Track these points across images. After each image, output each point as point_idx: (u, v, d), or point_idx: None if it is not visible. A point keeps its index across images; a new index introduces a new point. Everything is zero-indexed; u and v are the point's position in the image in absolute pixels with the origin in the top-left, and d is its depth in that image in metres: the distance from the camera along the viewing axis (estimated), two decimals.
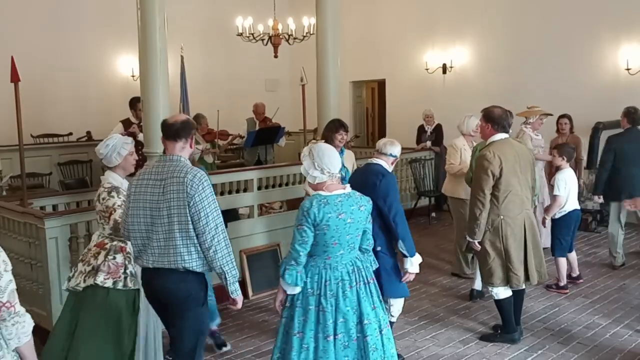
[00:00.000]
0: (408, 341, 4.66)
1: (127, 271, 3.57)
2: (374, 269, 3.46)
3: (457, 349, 4.53)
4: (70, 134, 9.30)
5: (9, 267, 2.32)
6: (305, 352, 3.19)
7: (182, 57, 9.70)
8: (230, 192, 6.46)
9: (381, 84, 11.75)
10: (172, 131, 3.21)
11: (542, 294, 5.61)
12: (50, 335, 3.74)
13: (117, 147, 3.62)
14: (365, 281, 3.30)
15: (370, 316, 3.25)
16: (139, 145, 6.78)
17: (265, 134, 8.20)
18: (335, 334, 3.17)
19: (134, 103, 7.08)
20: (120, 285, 3.53)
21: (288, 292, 3.24)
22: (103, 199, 3.57)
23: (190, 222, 3.05)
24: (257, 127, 8.38)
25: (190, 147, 3.27)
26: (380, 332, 3.28)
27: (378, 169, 4.10)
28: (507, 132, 4.48)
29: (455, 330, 4.87)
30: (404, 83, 10.92)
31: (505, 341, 4.58)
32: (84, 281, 3.53)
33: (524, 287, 4.58)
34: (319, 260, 3.23)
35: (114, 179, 3.64)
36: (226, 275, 3.16)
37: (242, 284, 5.84)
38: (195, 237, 3.08)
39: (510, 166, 4.33)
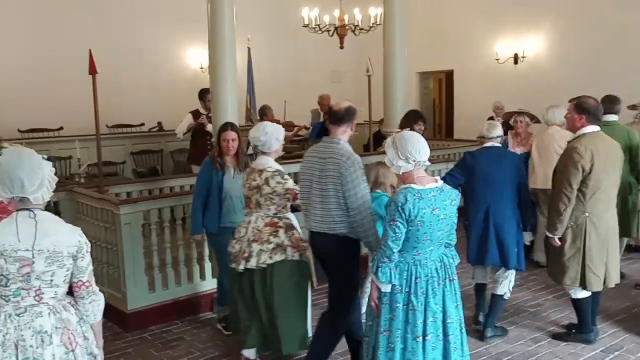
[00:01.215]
0: (476, 337, 4.54)
1: (304, 244, 3.92)
2: (455, 264, 3.31)
3: (528, 347, 4.38)
4: (143, 124, 9.62)
5: (89, 248, 2.48)
6: (391, 352, 3.09)
7: (249, 48, 9.86)
8: (295, 182, 6.50)
9: (449, 74, 11.51)
10: (338, 117, 3.57)
11: (620, 294, 5.33)
12: (233, 316, 4.11)
13: (275, 133, 3.95)
14: (450, 278, 3.19)
15: (452, 315, 3.15)
16: (207, 136, 6.97)
17: None
18: (424, 335, 3.07)
19: (203, 94, 7.22)
20: (303, 257, 3.92)
21: (382, 289, 3.13)
22: (278, 182, 3.87)
23: (343, 197, 3.43)
24: (322, 119, 8.37)
25: (351, 130, 3.62)
26: (460, 330, 3.19)
27: (505, 151, 4.10)
28: (599, 124, 4.20)
29: (525, 328, 4.71)
30: (473, 74, 10.65)
31: (580, 341, 4.38)
32: (270, 258, 3.84)
33: (601, 288, 4.35)
34: (407, 256, 3.10)
35: (273, 162, 3.98)
36: (371, 244, 3.47)
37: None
38: (347, 210, 3.44)
39: (601, 162, 4.03)
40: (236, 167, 4.62)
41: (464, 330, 3.24)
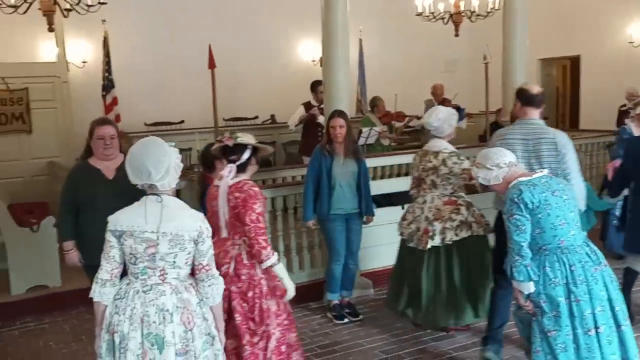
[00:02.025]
0: None
1: (486, 219, 4.14)
2: None
3: None
4: (257, 117, 9.90)
5: (210, 233, 2.61)
6: (564, 353, 2.84)
7: (360, 40, 9.81)
8: (407, 174, 6.35)
9: (574, 60, 10.74)
10: (537, 100, 3.70)
11: None
12: (424, 294, 4.21)
13: (447, 119, 4.18)
14: (604, 262, 2.95)
15: (618, 302, 2.88)
16: (318, 127, 7.00)
17: None
18: (596, 327, 2.81)
19: (315, 86, 7.26)
20: (486, 232, 4.14)
21: (524, 292, 2.93)
22: (454, 163, 4.10)
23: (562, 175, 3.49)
24: None
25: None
26: (632, 319, 2.94)
27: None
28: None
29: None
30: (602, 59, 9.84)
31: None
32: (456, 235, 4.09)
33: None
34: (551, 247, 2.90)
35: (447, 145, 4.21)
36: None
37: None
38: None
39: None
40: (344, 154, 4.62)
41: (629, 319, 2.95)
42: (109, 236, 2.55)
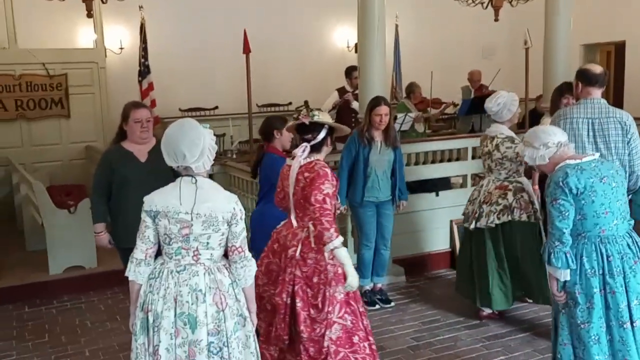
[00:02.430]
0: None
1: (535, 207, 4.21)
2: None
3: None
4: (290, 103, 9.86)
5: (244, 216, 2.60)
6: (597, 346, 2.76)
7: (396, 26, 9.65)
8: (441, 161, 6.25)
9: (619, 46, 10.35)
10: (601, 79, 3.71)
11: None
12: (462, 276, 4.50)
13: (507, 104, 4.26)
14: None
15: None
16: (352, 113, 6.92)
17: (480, 102, 7.71)
18: (632, 320, 2.73)
19: (350, 72, 7.19)
20: (532, 219, 4.20)
21: (560, 278, 2.83)
22: (507, 147, 4.19)
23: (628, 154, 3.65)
24: (472, 96, 7.96)
25: None
26: None
27: None
28: None
29: None
30: None
31: None
32: (498, 218, 4.20)
33: None
34: (591, 235, 2.81)
35: (505, 129, 4.29)
36: None
37: (452, 254, 5.64)
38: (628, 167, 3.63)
39: None
40: (383, 142, 4.56)
41: None
42: (144, 216, 2.57)
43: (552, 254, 2.80)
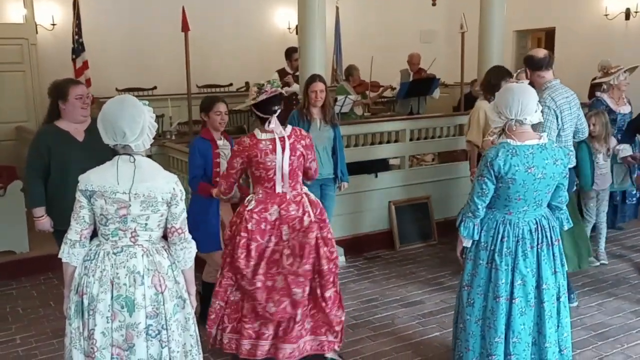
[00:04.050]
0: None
1: None
2: (565, 229, 3.13)
3: (628, 320, 4.07)
4: (231, 84, 9.75)
5: (184, 196, 2.55)
6: (470, 307, 3.05)
7: (337, 8, 9.68)
8: (380, 142, 6.36)
9: (549, 33, 10.75)
10: (548, 62, 4.02)
11: None
12: None
13: None
14: (549, 242, 2.99)
15: (549, 281, 2.97)
16: (293, 95, 6.93)
17: (418, 86, 7.91)
18: (512, 298, 2.95)
19: (290, 53, 7.17)
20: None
21: (463, 244, 3.08)
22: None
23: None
24: (411, 79, 8.11)
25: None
26: (558, 299, 3.02)
27: None
28: None
29: (625, 300, 4.38)
30: (577, 31, 9.87)
31: None
32: None
33: None
34: (497, 214, 2.98)
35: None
36: None
37: (390, 234, 5.78)
38: None
39: None
40: (322, 119, 4.62)
41: (563, 298, 3.05)
42: (79, 195, 2.47)
43: (463, 222, 3.02)
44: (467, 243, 3.06)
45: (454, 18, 7.75)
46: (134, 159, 2.45)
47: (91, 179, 2.47)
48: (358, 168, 5.57)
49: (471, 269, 3.07)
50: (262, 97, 3.31)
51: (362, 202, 5.68)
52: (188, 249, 2.57)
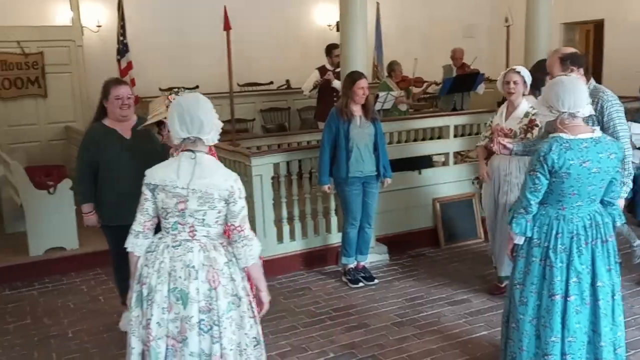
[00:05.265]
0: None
1: None
2: (618, 224, 3.02)
3: None
4: (271, 82, 9.79)
5: (243, 194, 2.56)
6: (523, 306, 2.96)
7: (377, 4, 9.61)
8: (424, 139, 6.28)
9: (598, 26, 10.42)
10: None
11: None
12: None
13: None
14: (603, 239, 2.90)
15: (604, 278, 2.87)
16: (333, 92, 6.90)
17: (462, 81, 7.76)
18: (567, 295, 2.86)
19: (330, 50, 7.13)
20: None
21: (515, 241, 3.00)
22: None
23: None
24: (454, 74, 7.97)
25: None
26: (613, 296, 2.91)
27: None
28: None
29: None
30: (628, 24, 9.51)
31: None
32: None
33: None
34: (550, 209, 2.89)
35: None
36: None
37: (434, 232, 5.69)
38: None
39: None
40: (363, 116, 4.60)
41: (618, 296, 2.94)
42: (144, 189, 2.56)
43: (515, 219, 2.93)
44: (520, 240, 2.97)
45: (498, 11, 7.57)
46: (195, 156, 2.49)
47: (154, 173, 2.55)
48: (401, 165, 5.50)
49: (523, 267, 2.99)
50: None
51: (406, 199, 5.61)
52: (249, 247, 2.56)
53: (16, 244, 5.47)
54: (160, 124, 3.15)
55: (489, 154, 4.43)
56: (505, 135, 4.20)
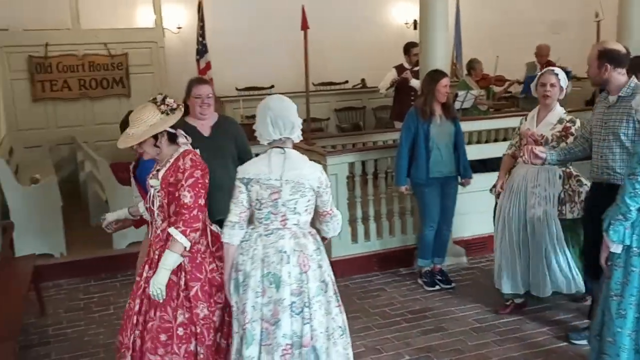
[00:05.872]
0: None
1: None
2: None
3: None
4: (346, 81, 9.76)
5: (329, 183, 2.83)
6: (622, 319, 2.80)
7: (457, 1, 9.36)
8: (505, 139, 6.05)
9: None
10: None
11: None
12: None
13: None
14: None
15: None
16: (411, 91, 6.76)
17: None
18: None
19: (409, 48, 6.99)
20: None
21: (611, 250, 2.82)
22: None
23: None
24: (539, 72, 7.62)
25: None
26: None
27: None
28: None
29: None
30: None
31: None
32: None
33: None
34: None
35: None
36: None
37: None
38: None
39: None
40: (443, 115, 4.50)
41: None
42: (237, 183, 2.75)
43: (612, 226, 2.77)
44: (617, 249, 2.80)
45: (587, 6, 7.18)
46: (284, 151, 2.70)
47: (247, 169, 2.76)
48: (480, 166, 5.31)
49: (621, 278, 2.81)
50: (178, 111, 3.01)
51: (485, 201, 5.37)
52: (337, 220, 2.83)
53: (101, 237, 5.67)
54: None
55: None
56: (535, 142, 3.84)
